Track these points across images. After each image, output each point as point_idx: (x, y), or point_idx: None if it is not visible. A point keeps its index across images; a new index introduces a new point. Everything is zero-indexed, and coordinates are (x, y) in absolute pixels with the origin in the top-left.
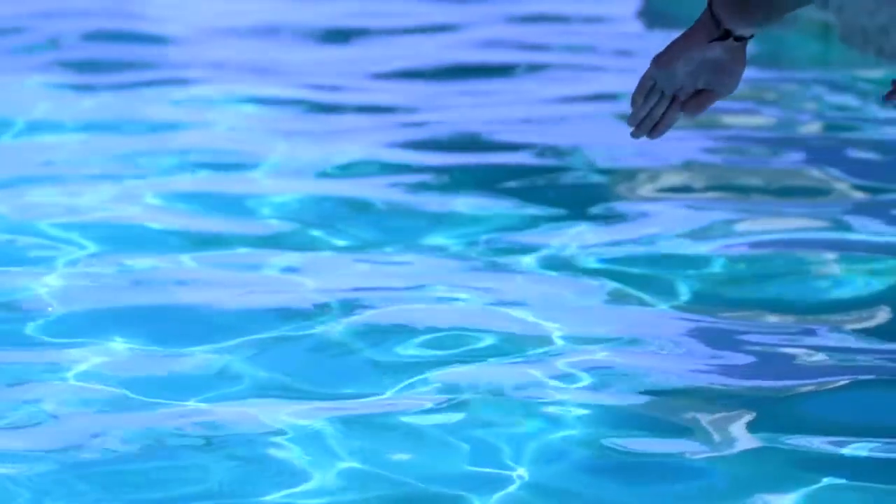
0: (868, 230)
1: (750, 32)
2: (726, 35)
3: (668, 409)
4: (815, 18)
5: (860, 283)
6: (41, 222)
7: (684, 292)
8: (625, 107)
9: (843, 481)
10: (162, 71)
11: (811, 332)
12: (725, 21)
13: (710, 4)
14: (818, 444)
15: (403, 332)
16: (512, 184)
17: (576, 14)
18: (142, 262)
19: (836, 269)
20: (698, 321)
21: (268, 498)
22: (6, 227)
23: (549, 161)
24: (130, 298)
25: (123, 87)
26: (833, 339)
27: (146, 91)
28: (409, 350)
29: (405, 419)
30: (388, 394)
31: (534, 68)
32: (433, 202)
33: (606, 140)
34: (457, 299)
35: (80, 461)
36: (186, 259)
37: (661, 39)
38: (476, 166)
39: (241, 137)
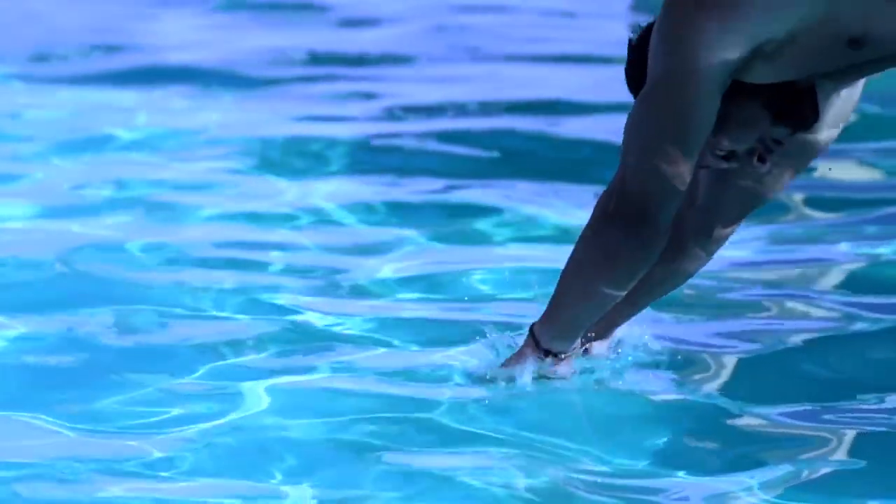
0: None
1: (568, 349)
2: (547, 353)
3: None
4: None
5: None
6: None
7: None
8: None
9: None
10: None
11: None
12: (543, 342)
13: (531, 328)
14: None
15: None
16: (525, 183)
17: (574, 10)
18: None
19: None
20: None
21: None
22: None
23: (545, 154)
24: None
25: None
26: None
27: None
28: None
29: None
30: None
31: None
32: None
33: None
34: (483, 295)
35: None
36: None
37: None
38: (467, 159)
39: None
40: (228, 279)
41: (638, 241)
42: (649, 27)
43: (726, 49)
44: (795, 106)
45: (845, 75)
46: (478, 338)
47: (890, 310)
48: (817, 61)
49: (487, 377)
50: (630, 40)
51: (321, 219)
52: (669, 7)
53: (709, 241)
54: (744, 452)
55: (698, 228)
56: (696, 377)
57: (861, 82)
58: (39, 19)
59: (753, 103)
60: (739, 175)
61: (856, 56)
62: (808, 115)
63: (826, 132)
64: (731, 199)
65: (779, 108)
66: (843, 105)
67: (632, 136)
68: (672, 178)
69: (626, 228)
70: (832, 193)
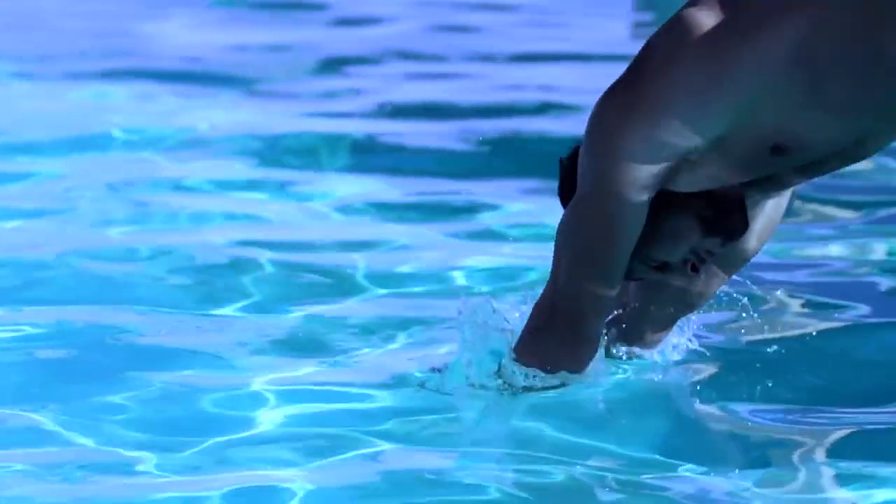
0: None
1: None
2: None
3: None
4: None
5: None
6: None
7: None
8: None
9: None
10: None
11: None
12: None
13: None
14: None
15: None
16: (522, 181)
17: (575, 8)
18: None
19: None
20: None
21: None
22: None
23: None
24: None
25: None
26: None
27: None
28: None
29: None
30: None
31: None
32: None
33: None
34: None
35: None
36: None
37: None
38: (465, 157)
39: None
40: (228, 278)
41: (571, 352)
42: (579, 146)
43: (651, 159)
44: (726, 216)
45: (772, 183)
46: (477, 336)
47: (888, 310)
48: (743, 169)
49: (485, 379)
50: (561, 159)
51: (319, 217)
52: (595, 119)
53: (641, 345)
54: (740, 449)
55: (630, 334)
56: (695, 374)
57: (789, 191)
58: (41, 19)
59: (684, 215)
60: (670, 283)
61: (780, 163)
62: (738, 225)
63: (756, 241)
64: (661, 306)
65: (709, 220)
66: (772, 213)
67: (561, 248)
68: (601, 291)
69: (560, 340)
70: (830, 193)
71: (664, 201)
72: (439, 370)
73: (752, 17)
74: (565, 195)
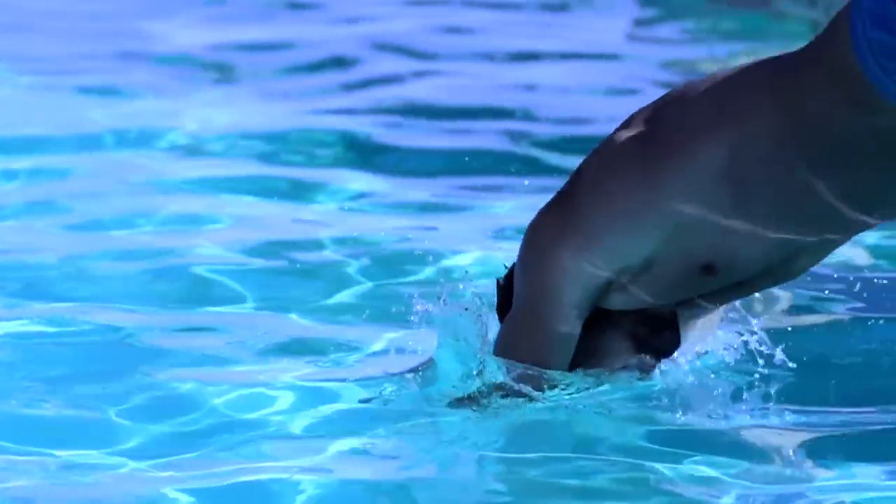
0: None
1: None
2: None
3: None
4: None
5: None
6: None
7: None
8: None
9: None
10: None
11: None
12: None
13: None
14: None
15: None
16: (519, 180)
17: (575, 6)
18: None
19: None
20: None
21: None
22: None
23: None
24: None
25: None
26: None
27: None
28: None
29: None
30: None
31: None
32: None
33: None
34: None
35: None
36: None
37: (659, 32)
38: (464, 155)
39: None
40: (228, 278)
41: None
42: (514, 266)
43: (583, 279)
44: (658, 334)
45: (704, 300)
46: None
47: (887, 308)
48: (674, 289)
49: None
50: (498, 280)
51: (319, 216)
52: (528, 238)
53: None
54: (738, 448)
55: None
56: (693, 373)
57: (720, 309)
58: (40, 19)
59: (617, 333)
60: None
61: (710, 283)
62: (671, 343)
63: (687, 357)
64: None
65: (642, 338)
66: (702, 330)
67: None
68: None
69: None
70: None
71: (597, 319)
72: (403, 374)
73: (680, 136)
74: (502, 314)
